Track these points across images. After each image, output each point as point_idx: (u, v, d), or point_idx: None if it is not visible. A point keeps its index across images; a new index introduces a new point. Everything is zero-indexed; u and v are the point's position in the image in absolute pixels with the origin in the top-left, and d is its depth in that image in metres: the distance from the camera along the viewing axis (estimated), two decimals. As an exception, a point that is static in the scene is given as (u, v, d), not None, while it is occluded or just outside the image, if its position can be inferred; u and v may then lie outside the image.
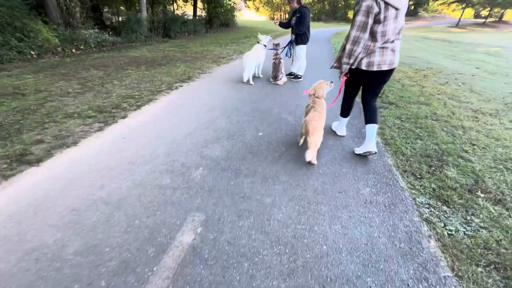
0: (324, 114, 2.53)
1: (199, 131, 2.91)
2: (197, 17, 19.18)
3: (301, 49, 4.94)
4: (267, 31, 20.02)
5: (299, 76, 5.29)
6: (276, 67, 4.86)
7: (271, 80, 5.04)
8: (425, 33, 26.06)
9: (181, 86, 4.76)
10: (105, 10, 15.40)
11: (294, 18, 4.79)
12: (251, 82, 4.86)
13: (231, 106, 3.71)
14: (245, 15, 53.26)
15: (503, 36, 25.99)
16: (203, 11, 20.86)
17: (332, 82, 2.73)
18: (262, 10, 54.45)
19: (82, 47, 8.56)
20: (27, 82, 4.58)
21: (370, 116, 2.41)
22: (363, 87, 2.50)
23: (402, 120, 3.38)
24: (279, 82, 4.88)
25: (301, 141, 2.65)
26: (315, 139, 2.24)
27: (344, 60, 2.20)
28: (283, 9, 53.60)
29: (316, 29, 22.55)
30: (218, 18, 20.20)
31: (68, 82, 4.79)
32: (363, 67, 2.20)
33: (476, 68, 7.85)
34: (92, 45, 8.99)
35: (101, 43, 9.39)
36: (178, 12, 18.22)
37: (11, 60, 6.23)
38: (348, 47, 2.12)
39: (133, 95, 4.14)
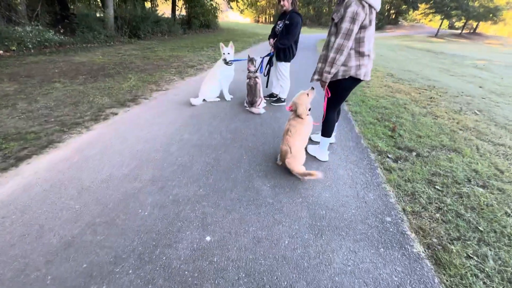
0: (303, 131, 2.26)
1: (89, 236, 1.52)
2: (176, 17, 17.60)
3: (284, 67, 3.66)
4: (251, 34, 18.79)
5: (282, 99, 4.03)
6: (252, 90, 3.56)
7: (246, 105, 3.74)
8: (408, 42, 25.98)
9: (115, 114, 3.33)
10: (78, 5, 13.35)
11: (280, 24, 3.49)
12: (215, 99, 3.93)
13: (174, 160, 2.35)
14: (230, 17, 52.05)
15: (481, 48, 26.57)
16: (183, 11, 19.30)
17: (313, 88, 2.34)
18: (247, 12, 53.38)
19: (13, 47, 6.82)
20: None
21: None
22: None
23: (437, 189, 2.19)
24: (256, 110, 3.58)
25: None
26: (293, 167, 2.13)
27: (326, 69, 2.01)
28: (268, 12, 52.93)
29: (301, 34, 21.62)
30: (197, 19, 18.71)
31: None
32: (353, 74, 2.03)
33: (480, 87, 7.03)
34: (30, 46, 7.25)
35: (43, 44, 7.65)
36: (159, 11, 16.48)
37: None
38: (331, 55, 1.95)
39: (28, 132, 2.67)
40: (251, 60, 3.59)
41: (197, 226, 1.63)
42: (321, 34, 25.84)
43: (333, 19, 1.91)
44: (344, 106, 4.13)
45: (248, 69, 3.61)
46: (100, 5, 13.17)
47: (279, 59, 3.61)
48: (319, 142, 2.58)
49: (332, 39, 1.94)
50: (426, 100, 5.00)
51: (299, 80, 5.55)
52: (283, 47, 3.41)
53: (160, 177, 2.09)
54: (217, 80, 3.83)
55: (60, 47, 8.08)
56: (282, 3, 3.33)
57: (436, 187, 2.23)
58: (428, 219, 1.85)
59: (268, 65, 3.86)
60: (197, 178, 2.11)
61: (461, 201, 2.06)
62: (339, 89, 2.17)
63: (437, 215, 1.90)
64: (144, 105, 3.70)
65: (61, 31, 9.55)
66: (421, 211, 1.92)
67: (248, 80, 3.56)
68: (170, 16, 17.42)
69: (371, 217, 1.83)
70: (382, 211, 1.89)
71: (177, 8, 18.73)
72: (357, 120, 3.60)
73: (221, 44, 3.71)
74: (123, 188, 1.94)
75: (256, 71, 3.57)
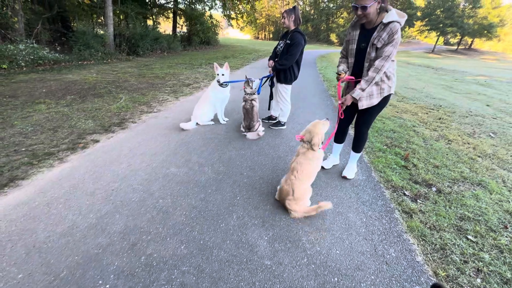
0: (312, 169, 1.99)
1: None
2: (176, 34, 17.81)
3: (284, 90, 3.37)
4: (250, 50, 18.92)
5: (282, 123, 3.71)
6: (248, 113, 3.25)
7: (242, 130, 3.41)
8: (406, 58, 26.29)
9: (97, 141, 3.00)
10: (82, 22, 13.36)
11: (281, 44, 3.24)
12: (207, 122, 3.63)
13: (154, 203, 1.98)
14: (231, 34, 53.36)
15: (478, 63, 26.82)
16: (184, 28, 19.58)
17: (328, 119, 2.12)
18: (247, 29, 54.74)
19: (4, 66, 6.61)
20: None
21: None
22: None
23: (471, 241, 1.81)
24: (251, 136, 3.25)
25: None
26: (293, 209, 1.87)
27: (364, 86, 2.03)
28: (267, 29, 54.22)
29: (300, 51, 21.76)
30: (197, 36, 18.93)
31: None
32: (392, 91, 2.16)
33: (487, 105, 6.77)
34: (23, 64, 7.06)
35: (37, 61, 7.47)
36: (161, 29, 16.67)
37: None
38: (370, 74, 1.98)
39: (-11, 166, 2.32)
40: (247, 82, 3.31)
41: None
42: (320, 50, 26.16)
43: (373, 44, 1.94)
44: (350, 130, 3.81)
45: (244, 91, 3.32)
46: (104, 22, 13.24)
47: (279, 81, 3.32)
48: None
49: (375, 63, 1.97)
50: (435, 122, 4.69)
51: (299, 100, 5.28)
52: (282, 68, 3.12)
53: (134, 228, 1.72)
54: (210, 102, 3.53)
55: (55, 64, 7.90)
56: (283, 20, 3.08)
57: (469, 237, 1.85)
58: (468, 288, 1.46)
59: (270, 88, 3.58)
60: (179, 229, 1.74)
61: (503, 259, 1.68)
62: (384, 104, 2.20)
63: (478, 280, 1.51)
64: (131, 130, 3.37)
65: (58, 48, 9.46)
66: (457, 275, 1.53)
67: (244, 103, 3.26)
68: (171, 33, 17.63)
69: (396, 286, 1.43)
70: (408, 276, 1.50)
71: (178, 25, 19.01)
72: (365, 147, 3.26)
73: (215, 65, 3.43)
74: (85, 245, 1.56)
75: (253, 94, 3.28)
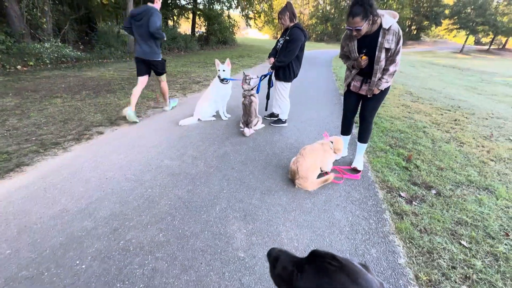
0: (323, 155, 2.31)
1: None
2: (195, 34, 18.27)
3: (283, 87, 3.34)
4: (266, 50, 18.92)
5: (283, 120, 3.68)
6: (246, 109, 3.25)
7: (241, 126, 3.42)
8: (431, 58, 25.04)
9: (101, 133, 3.14)
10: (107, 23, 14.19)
11: (281, 41, 3.24)
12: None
13: (143, 192, 2.04)
14: (250, 34, 53.68)
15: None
16: (203, 28, 20.00)
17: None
18: (266, 29, 54.71)
19: (31, 63, 7.10)
20: None
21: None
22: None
23: (464, 246, 1.70)
24: (247, 132, 3.24)
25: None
26: (305, 187, 2.17)
27: (389, 79, 2.21)
28: (285, 28, 53.70)
29: (317, 50, 21.52)
30: (215, 35, 19.27)
31: None
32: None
33: (513, 108, 6.29)
34: (47, 61, 7.54)
35: (60, 59, 7.95)
36: (181, 30, 17.29)
37: None
38: (392, 68, 2.15)
39: (2, 152, 2.50)
40: (244, 79, 3.32)
41: (139, 290, 1.28)
42: (338, 50, 25.54)
43: (384, 48, 2.03)
44: (354, 129, 3.70)
45: (242, 87, 3.34)
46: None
47: (278, 78, 3.30)
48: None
49: (395, 58, 2.11)
50: (449, 123, 4.44)
51: (306, 98, 5.20)
52: (281, 65, 3.10)
53: (119, 214, 1.78)
54: (212, 99, 3.58)
55: (77, 62, 8.36)
56: (280, 21, 3.09)
57: (462, 242, 1.73)
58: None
59: (268, 87, 3.57)
60: (161, 217, 1.78)
61: (496, 267, 1.56)
62: (385, 95, 2.35)
63: (463, 287, 1.42)
64: (135, 124, 3.49)
65: (81, 47, 10.01)
66: (441, 280, 1.45)
67: (243, 99, 3.27)
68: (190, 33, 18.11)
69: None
70: (386, 278, 1.44)
71: (196, 26, 19.43)
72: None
73: (217, 61, 3.47)
74: (71, 228, 1.64)
75: (252, 89, 3.28)
